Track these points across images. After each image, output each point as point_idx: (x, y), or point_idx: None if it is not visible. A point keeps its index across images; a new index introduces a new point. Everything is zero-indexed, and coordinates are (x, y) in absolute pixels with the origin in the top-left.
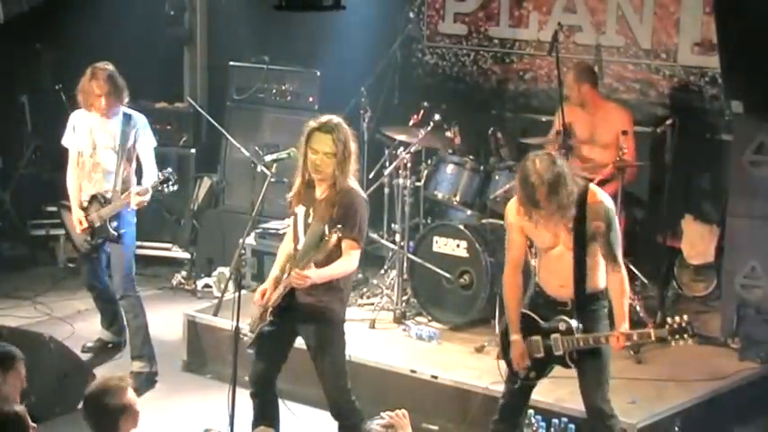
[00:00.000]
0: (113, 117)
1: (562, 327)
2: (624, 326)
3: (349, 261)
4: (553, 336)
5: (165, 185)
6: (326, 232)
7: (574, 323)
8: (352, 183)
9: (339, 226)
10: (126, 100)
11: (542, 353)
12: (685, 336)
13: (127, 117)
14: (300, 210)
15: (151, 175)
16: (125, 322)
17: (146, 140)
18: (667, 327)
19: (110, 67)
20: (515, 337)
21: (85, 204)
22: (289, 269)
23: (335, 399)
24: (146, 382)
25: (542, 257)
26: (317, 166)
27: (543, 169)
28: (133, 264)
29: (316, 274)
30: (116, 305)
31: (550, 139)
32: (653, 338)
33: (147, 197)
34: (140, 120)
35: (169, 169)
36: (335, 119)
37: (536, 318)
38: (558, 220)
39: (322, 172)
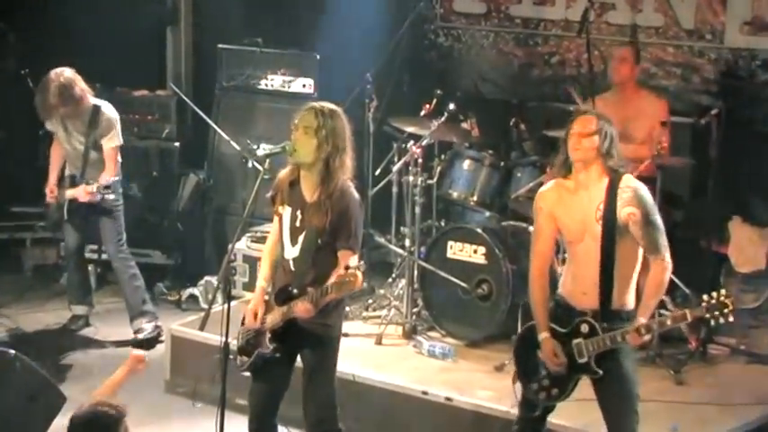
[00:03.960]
0: (82, 115)
1: (584, 329)
2: (641, 320)
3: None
4: (575, 341)
5: (105, 191)
6: (322, 243)
7: (597, 323)
8: (347, 181)
9: (362, 262)
10: (89, 102)
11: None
12: (725, 311)
13: (95, 110)
14: (287, 212)
15: (104, 175)
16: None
17: (108, 139)
18: (704, 304)
19: (64, 76)
20: (544, 335)
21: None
22: (281, 288)
23: (321, 418)
24: (156, 335)
25: (569, 259)
26: (294, 143)
27: None
28: (123, 231)
29: (322, 302)
30: (88, 277)
31: None
32: (689, 319)
33: (95, 198)
34: (105, 117)
35: (115, 178)
36: (331, 106)
37: (553, 326)
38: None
39: (297, 151)
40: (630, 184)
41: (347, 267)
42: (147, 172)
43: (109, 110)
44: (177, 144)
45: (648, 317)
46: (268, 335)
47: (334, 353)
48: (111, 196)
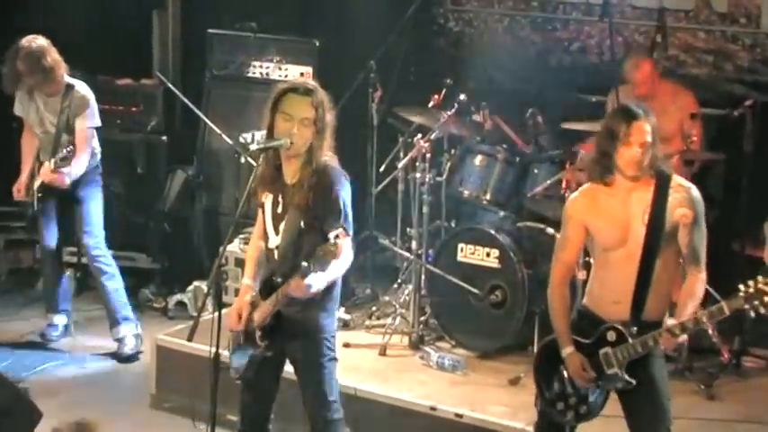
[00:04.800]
0: (57, 94)
1: (611, 336)
2: (673, 321)
3: (345, 252)
4: (602, 351)
5: (63, 164)
6: (306, 226)
7: (625, 330)
8: (329, 159)
9: (340, 230)
10: (62, 77)
11: (594, 375)
12: (766, 299)
13: (69, 88)
14: (268, 200)
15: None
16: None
17: (81, 119)
18: (741, 293)
19: (36, 43)
20: (568, 350)
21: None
22: (265, 279)
23: (318, 406)
24: (138, 344)
25: (599, 265)
26: (290, 136)
27: None
28: (100, 226)
29: (319, 279)
30: (67, 281)
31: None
32: (727, 312)
33: (59, 178)
34: (79, 95)
35: (85, 155)
36: (312, 82)
37: (576, 338)
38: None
39: (295, 144)
40: (683, 184)
41: (327, 240)
42: (130, 168)
43: (83, 88)
44: (164, 138)
45: (681, 321)
46: (258, 332)
47: (326, 349)
48: (69, 169)
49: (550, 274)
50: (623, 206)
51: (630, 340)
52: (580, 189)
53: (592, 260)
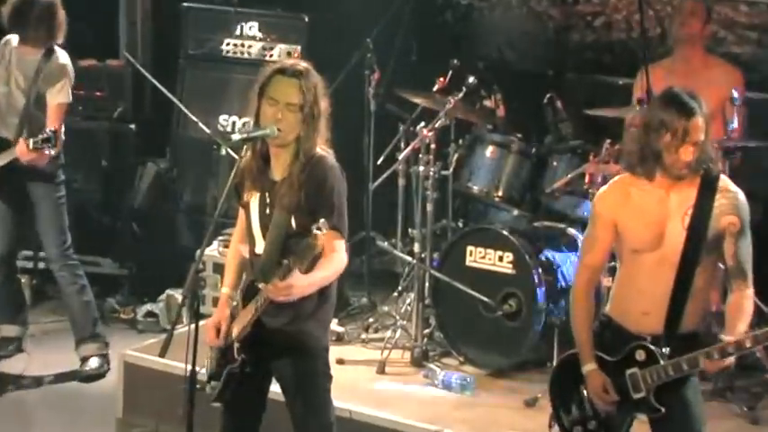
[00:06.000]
0: (36, 54)
1: (640, 356)
2: (729, 338)
3: (338, 257)
4: (629, 371)
5: (44, 145)
6: (298, 227)
7: (656, 349)
8: (323, 151)
9: (322, 220)
10: (49, 36)
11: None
12: None
13: (49, 53)
14: (254, 199)
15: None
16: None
17: (56, 92)
18: None
19: None
20: (590, 366)
21: None
22: (246, 286)
23: None
24: (104, 366)
25: (626, 268)
26: (276, 123)
27: None
28: (67, 231)
29: (304, 282)
30: (21, 290)
31: (630, 111)
32: None
33: (41, 157)
34: (58, 63)
35: (52, 128)
36: (303, 63)
37: (599, 354)
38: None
39: (282, 132)
40: (730, 188)
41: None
42: (94, 160)
43: (64, 56)
44: (133, 126)
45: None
46: (236, 345)
47: (320, 365)
48: (55, 151)
49: (574, 279)
50: (660, 204)
51: (662, 362)
52: (610, 182)
53: (617, 264)
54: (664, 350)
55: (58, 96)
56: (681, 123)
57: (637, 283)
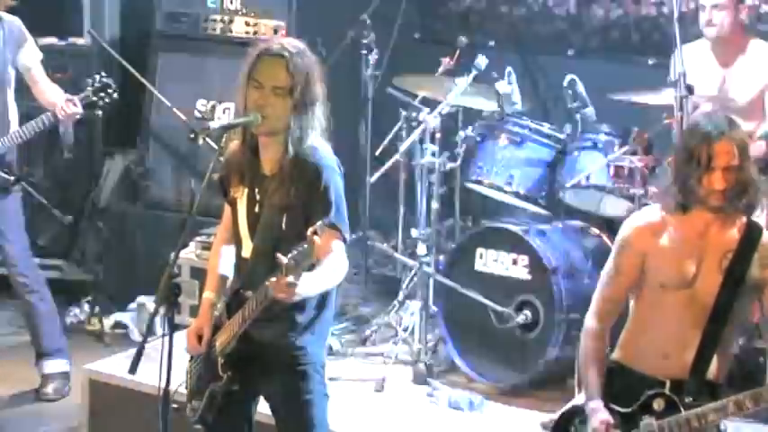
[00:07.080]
0: None
1: (658, 405)
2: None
3: (339, 259)
4: (644, 422)
5: (102, 95)
6: (289, 229)
7: (677, 397)
8: (318, 143)
9: (319, 223)
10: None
11: None
12: None
13: None
14: (243, 195)
15: (55, 91)
16: None
17: (27, 54)
18: None
19: None
20: (595, 403)
21: None
22: (233, 289)
23: None
24: (66, 386)
25: (646, 306)
26: (259, 108)
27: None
28: (23, 227)
29: (303, 281)
30: None
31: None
32: None
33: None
34: (15, 24)
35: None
36: (296, 42)
37: (609, 404)
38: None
39: (267, 119)
40: None
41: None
42: (54, 152)
43: (14, 17)
44: (98, 113)
45: None
46: (220, 360)
47: (315, 384)
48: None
49: (588, 317)
50: (698, 240)
51: (684, 412)
52: (646, 212)
53: (632, 305)
54: (688, 400)
55: (36, 55)
56: (703, 148)
57: (659, 323)
